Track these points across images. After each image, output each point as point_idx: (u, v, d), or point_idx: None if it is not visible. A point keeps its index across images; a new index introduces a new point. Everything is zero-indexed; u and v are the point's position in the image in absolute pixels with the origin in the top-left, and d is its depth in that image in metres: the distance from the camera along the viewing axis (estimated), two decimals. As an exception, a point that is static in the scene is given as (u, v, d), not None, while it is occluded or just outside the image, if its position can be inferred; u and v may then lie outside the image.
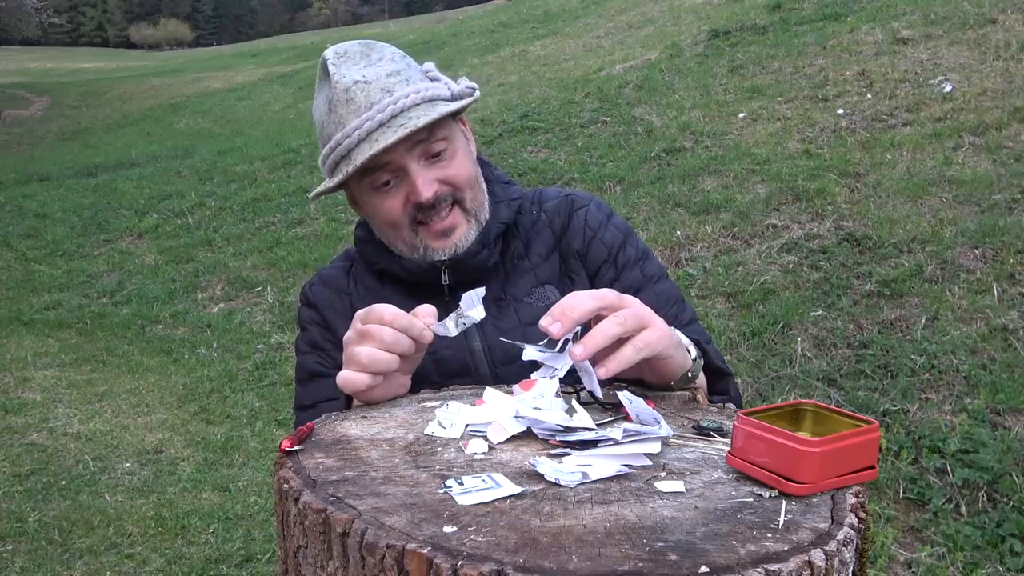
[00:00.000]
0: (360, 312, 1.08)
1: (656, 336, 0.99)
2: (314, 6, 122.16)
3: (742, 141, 6.35)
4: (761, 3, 10.01)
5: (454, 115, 1.28)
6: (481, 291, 1.07)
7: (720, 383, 1.24)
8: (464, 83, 1.29)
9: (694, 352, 1.12)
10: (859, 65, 6.93)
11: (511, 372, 1.19)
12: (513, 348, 1.22)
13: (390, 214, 1.26)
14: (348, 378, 1.05)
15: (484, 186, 1.34)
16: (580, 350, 0.95)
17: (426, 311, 1.07)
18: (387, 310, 1.06)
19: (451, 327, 1.07)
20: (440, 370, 1.26)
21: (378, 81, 1.22)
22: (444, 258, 1.27)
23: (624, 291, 1.29)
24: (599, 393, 1.01)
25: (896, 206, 4.83)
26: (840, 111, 6.28)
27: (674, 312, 1.30)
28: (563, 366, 1.00)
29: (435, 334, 1.07)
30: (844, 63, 7.10)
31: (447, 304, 1.28)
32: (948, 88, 6.05)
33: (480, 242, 1.29)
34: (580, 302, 0.97)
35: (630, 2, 14.44)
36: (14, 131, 19.23)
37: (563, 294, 1.28)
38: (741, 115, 6.82)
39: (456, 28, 20.27)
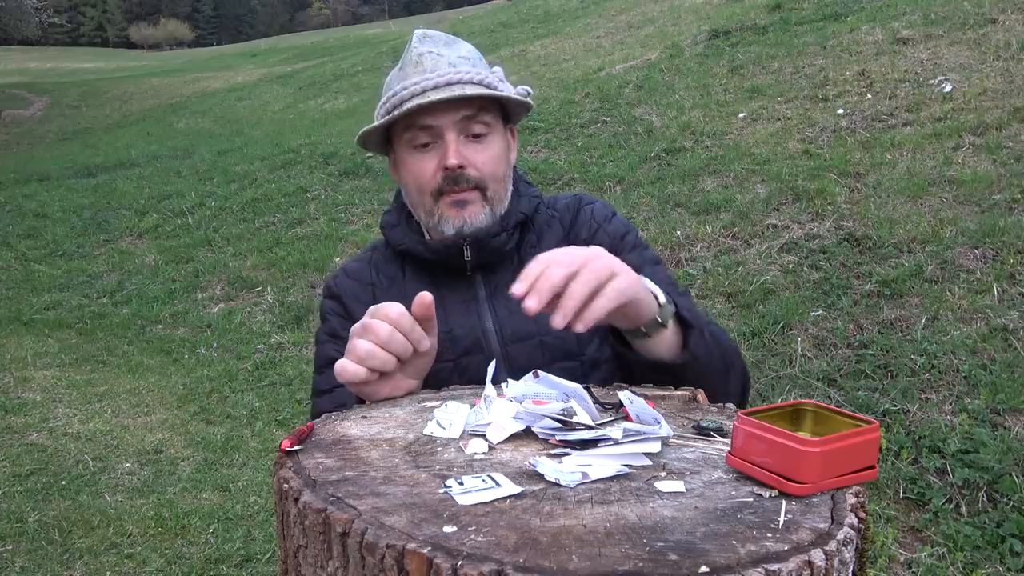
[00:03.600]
0: (373, 306, 1.11)
1: (625, 283, 1.02)
2: (314, 6, 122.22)
3: (742, 141, 6.35)
4: (761, 3, 10.01)
5: (506, 116, 1.40)
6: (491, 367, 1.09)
7: (692, 339, 1.17)
8: (522, 88, 1.39)
9: (662, 297, 1.13)
10: (859, 65, 6.93)
11: (521, 351, 1.30)
12: (523, 328, 1.32)
13: (422, 175, 1.33)
14: (345, 367, 1.07)
15: (510, 186, 1.41)
16: (559, 318, 0.98)
17: (422, 298, 1.10)
18: (394, 308, 1.08)
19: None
20: (454, 347, 1.32)
21: (448, 57, 1.33)
22: (452, 232, 1.33)
23: None
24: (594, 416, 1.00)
25: (896, 206, 4.83)
26: (840, 111, 6.28)
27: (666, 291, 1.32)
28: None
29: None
30: (844, 63, 7.10)
31: (469, 282, 1.38)
32: (948, 88, 6.05)
33: (501, 226, 1.35)
34: (552, 274, 0.99)
35: (630, 2, 14.45)
36: (14, 131, 19.23)
37: None
38: (741, 115, 6.82)
39: (456, 28, 20.27)
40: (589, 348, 1.32)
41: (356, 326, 1.10)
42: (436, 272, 1.38)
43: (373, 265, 1.45)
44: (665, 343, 1.15)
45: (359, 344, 1.06)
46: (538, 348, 1.30)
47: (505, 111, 1.41)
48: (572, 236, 1.42)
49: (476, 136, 1.33)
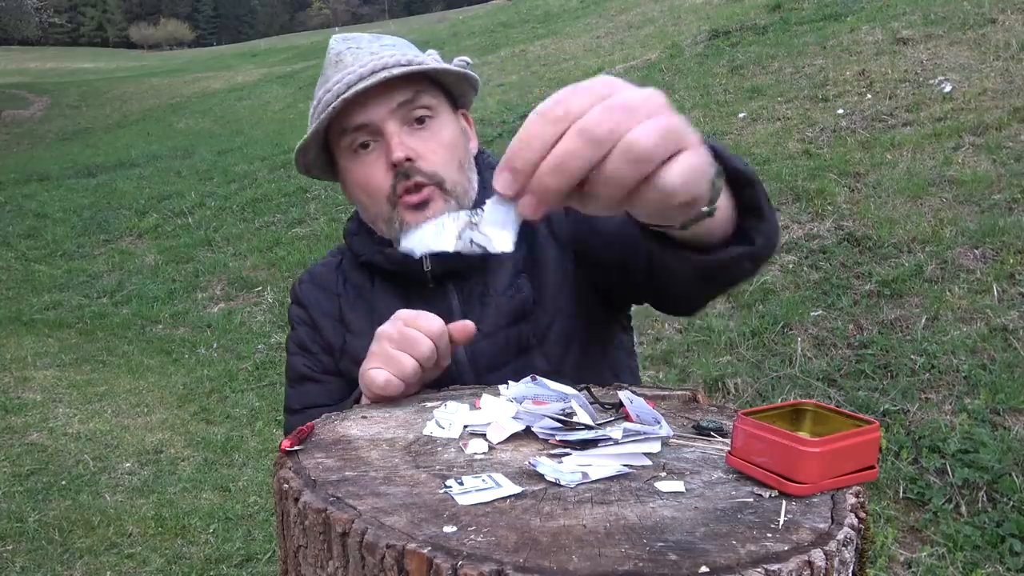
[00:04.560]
0: (406, 313, 1.03)
1: (691, 167, 0.66)
2: (314, 6, 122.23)
3: (742, 141, 6.35)
4: (761, 3, 10.01)
5: (452, 98, 1.25)
6: (511, 211, 0.68)
7: (746, 192, 0.85)
8: (459, 59, 1.26)
9: (712, 170, 0.73)
10: (859, 65, 6.93)
11: (498, 380, 1.10)
12: (498, 355, 1.19)
13: (370, 180, 1.18)
14: (389, 382, 0.99)
15: (473, 176, 1.26)
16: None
17: (466, 328, 1.03)
18: (436, 323, 1.01)
19: (451, 234, 0.68)
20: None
21: (369, 47, 1.20)
22: None
23: (592, 225, 1.19)
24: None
25: (896, 206, 4.83)
26: (840, 111, 6.28)
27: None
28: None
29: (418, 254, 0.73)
30: (844, 63, 7.10)
31: (440, 292, 1.24)
32: (948, 88, 6.05)
33: None
34: (574, 152, 0.63)
35: (630, 2, 14.46)
36: (14, 131, 19.22)
37: (534, 285, 1.23)
38: (741, 115, 6.82)
39: (456, 28, 20.28)
40: (566, 363, 1.21)
41: (391, 332, 1.01)
42: (404, 282, 1.25)
43: (341, 272, 1.33)
44: (716, 225, 0.82)
45: (401, 359, 1.00)
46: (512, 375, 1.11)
47: (451, 96, 1.26)
48: (544, 224, 1.26)
49: (420, 121, 1.18)
